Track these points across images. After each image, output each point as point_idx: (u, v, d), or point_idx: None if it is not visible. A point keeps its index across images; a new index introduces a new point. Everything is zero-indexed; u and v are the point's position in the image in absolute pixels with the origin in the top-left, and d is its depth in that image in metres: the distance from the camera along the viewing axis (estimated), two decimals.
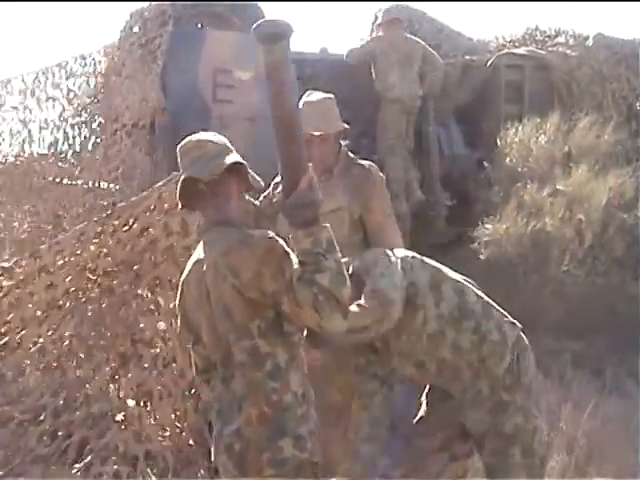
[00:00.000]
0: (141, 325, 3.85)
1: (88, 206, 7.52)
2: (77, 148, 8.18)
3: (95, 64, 8.31)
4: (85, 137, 8.16)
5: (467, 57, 9.58)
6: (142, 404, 3.84)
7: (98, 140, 8.06)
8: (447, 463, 3.70)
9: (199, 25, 8.46)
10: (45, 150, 8.46)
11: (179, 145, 2.97)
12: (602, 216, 7.08)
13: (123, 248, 3.84)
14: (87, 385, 3.74)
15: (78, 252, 3.80)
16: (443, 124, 8.93)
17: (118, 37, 8.09)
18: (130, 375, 3.80)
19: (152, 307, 3.92)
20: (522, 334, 3.66)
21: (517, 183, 7.42)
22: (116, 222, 3.90)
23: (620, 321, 6.67)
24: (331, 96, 4.27)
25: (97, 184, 7.67)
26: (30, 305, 3.70)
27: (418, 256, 3.56)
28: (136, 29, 7.81)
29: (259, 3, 8.78)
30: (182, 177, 2.90)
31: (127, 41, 7.83)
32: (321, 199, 2.77)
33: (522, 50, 9.70)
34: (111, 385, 3.82)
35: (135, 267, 3.86)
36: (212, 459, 2.89)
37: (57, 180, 8.04)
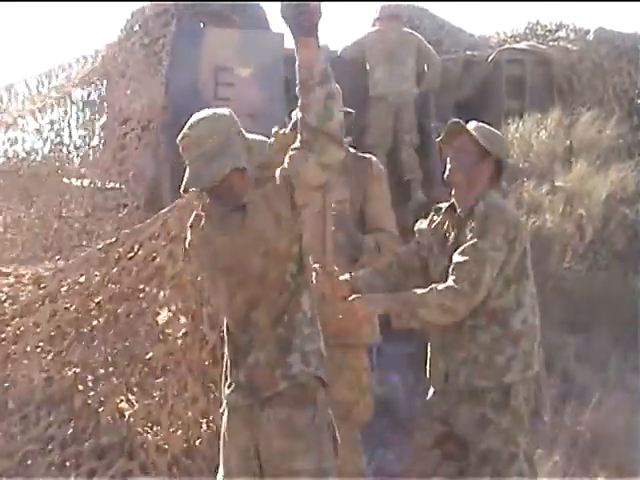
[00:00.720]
0: (150, 354, 3.84)
1: (95, 206, 7.54)
2: (81, 148, 8.19)
3: (96, 64, 8.31)
4: (88, 137, 8.16)
5: (468, 53, 9.58)
6: (151, 432, 3.83)
7: (101, 140, 8.05)
8: (439, 461, 3.61)
9: (200, 23, 8.47)
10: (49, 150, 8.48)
11: (180, 134, 2.98)
12: (603, 211, 7.08)
13: (128, 275, 3.83)
14: (97, 413, 3.74)
15: (82, 280, 3.79)
16: (444, 120, 8.91)
17: (119, 36, 8.08)
18: (138, 405, 3.79)
19: (160, 336, 3.91)
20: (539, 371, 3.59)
21: (518, 179, 7.43)
22: (120, 249, 3.89)
23: (623, 315, 6.67)
24: None
25: (105, 185, 7.67)
26: (34, 334, 3.69)
27: None
28: (137, 28, 7.81)
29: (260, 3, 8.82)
30: (183, 187, 2.96)
31: (128, 41, 7.82)
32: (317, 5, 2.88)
33: (523, 45, 9.69)
34: (119, 415, 3.82)
35: (141, 295, 3.85)
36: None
37: (63, 180, 8.06)
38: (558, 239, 6.81)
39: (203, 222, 3.04)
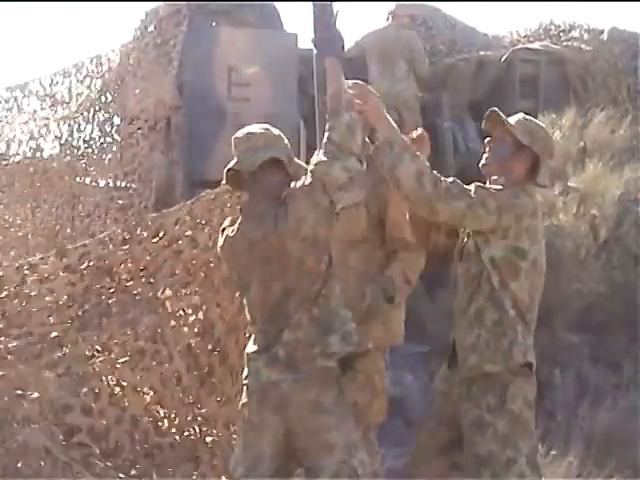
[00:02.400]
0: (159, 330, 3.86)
1: (103, 207, 7.56)
2: (92, 147, 8.23)
3: (110, 64, 8.35)
4: (100, 137, 8.20)
5: (482, 53, 9.58)
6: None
7: (112, 140, 8.09)
8: (446, 473, 3.60)
9: (213, 23, 8.49)
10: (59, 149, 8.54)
11: (235, 135, 3.33)
12: (617, 211, 7.06)
13: (149, 255, 3.87)
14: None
15: (102, 255, 3.82)
16: (458, 120, 8.92)
17: (133, 36, 8.11)
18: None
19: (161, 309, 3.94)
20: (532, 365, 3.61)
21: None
22: (145, 232, 3.93)
23: (637, 316, 6.65)
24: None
25: (113, 184, 7.70)
26: (47, 298, 3.72)
27: None
28: (151, 28, 7.83)
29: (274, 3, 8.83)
30: (226, 168, 3.34)
31: (142, 41, 7.85)
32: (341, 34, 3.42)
33: (537, 45, 9.69)
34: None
35: (152, 274, 3.87)
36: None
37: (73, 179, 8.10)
38: (572, 239, 6.79)
39: (240, 219, 3.27)
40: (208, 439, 3.93)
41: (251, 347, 3.29)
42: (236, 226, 3.28)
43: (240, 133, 3.33)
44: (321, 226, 3.19)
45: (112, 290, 3.81)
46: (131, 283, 3.85)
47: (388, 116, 3.52)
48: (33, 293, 3.69)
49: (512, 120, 3.64)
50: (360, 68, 8.31)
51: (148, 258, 3.87)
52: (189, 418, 3.94)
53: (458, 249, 3.64)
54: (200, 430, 3.96)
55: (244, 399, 3.29)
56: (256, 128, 3.34)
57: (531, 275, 3.54)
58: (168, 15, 7.70)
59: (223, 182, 3.47)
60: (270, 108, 7.56)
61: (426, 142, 3.84)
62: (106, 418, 3.65)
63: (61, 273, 3.74)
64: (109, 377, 3.79)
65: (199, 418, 3.97)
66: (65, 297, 3.73)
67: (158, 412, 3.92)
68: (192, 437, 3.92)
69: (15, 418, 3.44)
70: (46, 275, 3.73)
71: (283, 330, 3.18)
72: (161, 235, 3.91)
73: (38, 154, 8.75)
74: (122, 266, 3.83)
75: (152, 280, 3.88)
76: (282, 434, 3.17)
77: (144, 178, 7.36)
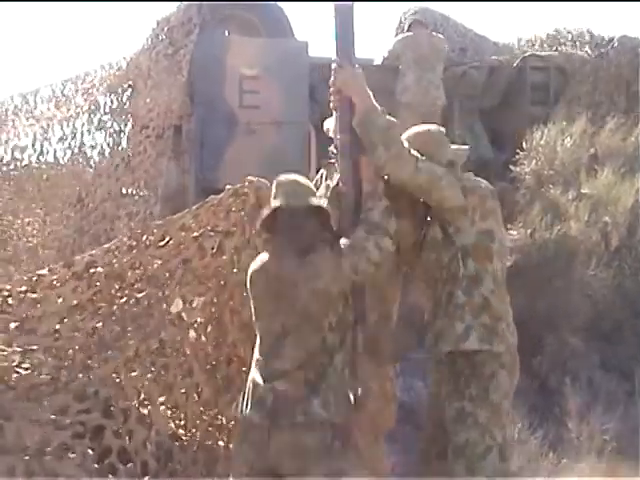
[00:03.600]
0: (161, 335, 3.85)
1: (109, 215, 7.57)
2: (103, 154, 8.25)
3: (122, 71, 8.38)
4: (110, 145, 8.22)
5: (493, 58, 9.58)
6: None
7: (121, 147, 8.11)
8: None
9: (225, 32, 8.53)
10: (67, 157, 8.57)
11: (278, 180, 3.41)
12: (629, 218, 7.04)
13: (155, 262, 3.86)
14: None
15: (109, 262, 3.82)
16: (469, 127, 8.93)
17: (144, 44, 8.14)
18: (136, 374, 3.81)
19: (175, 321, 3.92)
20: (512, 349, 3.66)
21: (543, 186, 7.41)
22: (151, 237, 3.92)
23: None
24: None
25: (120, 192, 7.69)
26: (54, 303, 3.72)
27: None
28: (162, 37, 7.86)
29: (286, 11, 8.88)
30: (275, 205, 3.33)
31: (153, 49, 7.88)
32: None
33: (547, 52, 9.69)
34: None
35: (163, 283, 3.86)
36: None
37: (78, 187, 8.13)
38: (583, 246, 6.78)
39: (269, 253, 3.38)
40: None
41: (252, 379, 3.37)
42: (264, 257, 3.38)
43: (285, 178, 3.41)
44: (336, 286, 3.30)
45: (124, 300, 3.80)
46: (143, 294, 3.83)
47: (370, 93, 3.54)
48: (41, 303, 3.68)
49: None
50: (390, 74, 8.39)
51: (156, 266, 3.85)
52: (209, 429, 3.94)
53: (418, 241, 3.70)
54: (220, 440, 3.96)
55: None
56: (300, 177, 3.43)
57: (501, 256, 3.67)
58: (179, 24, 7.73)
59: (259, 223, 3.43)
60: (281, 116, 7.59)
61: None
62: (134, 438, 3.64)
63: (68, 279, 3.73)
64: (136, 396, 3.78)
65: (219, 430, 3.97)
66: (74, 303, 3.72)
67: (181, 427, 3.92)
68: (213, 448, 3.92)
69: (51, 445, 3.43)
70: (55, 283, 3.73)
71: (282, 371, 3.26)
72: (166, 240, 3.89)
73: (45, 159, 8.79)
74: (130, 274, 3.82)
75: (164, 291, 3.86)
76: (263, 469, 3.24)
77: (151, 185, 7.36)
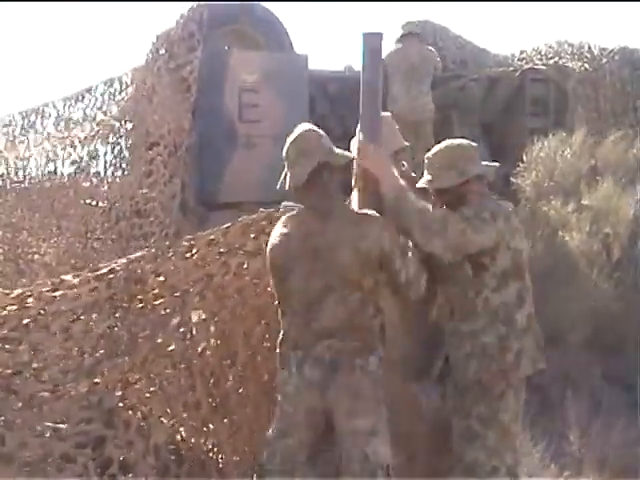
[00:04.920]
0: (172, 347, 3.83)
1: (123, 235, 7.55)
2: (106, 172, 8.25)
3: (123, 87, 8.38)
4: (115, 162, 8.22)
5: (492, 69, 9.61)
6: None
7: (126, 163, 8.10)
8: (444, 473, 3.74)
9: (225, 46, 8.54)
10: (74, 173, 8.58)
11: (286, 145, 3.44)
12: (630, 229, 7.04)
13: (177, 274, 3.84)
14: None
15: (131, 268, 3.80)
16: (469, 139, 8.91)
17: (145, 60, 8.14)
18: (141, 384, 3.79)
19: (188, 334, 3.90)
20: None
21: (543, 198, 7.40)
22: (178, 249, 3.90)
23: None
24: (386, 114, 4.13)
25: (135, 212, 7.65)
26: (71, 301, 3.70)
27: None
28: (162, 51, 7.87)
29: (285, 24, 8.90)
30: (285, 184, 3.44)
31: (155, 64, 7.88)
32: None
33: (547, 64, 9.70)
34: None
35: (180, 294, 3.84)
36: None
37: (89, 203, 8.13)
38: (585, 257, 6.77)
39: (301, 212, 3.45)
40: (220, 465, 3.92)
41: (288, 342, 3.44)
42: (288, 225, 3.43)
43: (288, 141, 3.44)
44: (375, 251, 3.33)
45: (141, 306, 3.78)
46: (160, 302, 3.81)
47: (393, 169, 3.54)
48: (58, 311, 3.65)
49: None
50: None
51: (178, 278, 3.83)
52: (205, 445, 3.93)
53: (446, 275, 3.66)
54: (212, 456, 3.95)
55: (283, 385, 3.47)
56: (292, 136, 3.45)
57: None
58: (180, 38, 7.74)
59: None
60: (281, 129, 7.57)
61: None
62: (135, 450, 3.62)
63: (89, 280, 3.72)
64: (138, 407, 3.76)
65: (212, 445, 3.96)
66: (91, 301, 3.70)
67: (181, 440, 3.91)
68: (206, 463, 3.90)
69: (53, 456, 3.42)
70: (75, 283, 3.71)
71: (321, 326, 3.34)
72: (193, 252, 3.88)
73: (56, 178, 8.80)
74: (151, 280, 3.80)
75: (182, 304, 3.83)
76: (319, 409, 3.37)
77: (166, 206, 7.32)
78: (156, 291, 3.80)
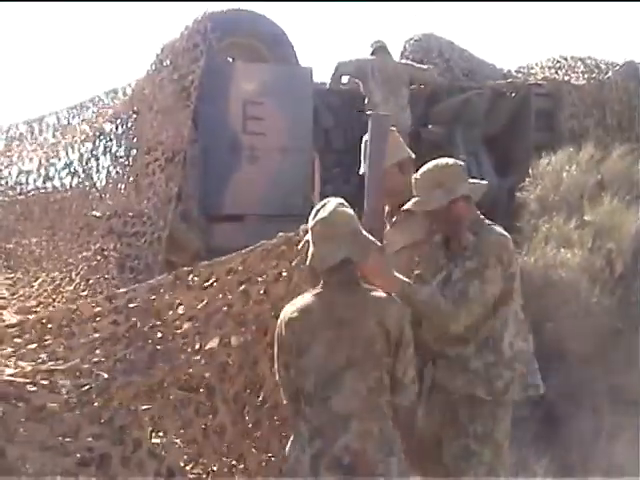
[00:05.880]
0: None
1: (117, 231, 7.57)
2: (106, 180, 8.29)
3: (126, 98, 8.41)
4: (116, 167, 8.25)
5: (497, 83, 9.61)
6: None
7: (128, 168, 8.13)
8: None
9: (229, 58, 8.55)
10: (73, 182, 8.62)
11: (314, 220, 3.31)
12: (633, 245, 7.02)
13: (197, 304, 3.79)
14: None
15: (151, 300, 3.74)
16: (473, 153, 8.92)
17: (148, 71, 8.17)
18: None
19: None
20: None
21: (548, 213, 7.38)
22: (196, 277, 3.84)
23: None
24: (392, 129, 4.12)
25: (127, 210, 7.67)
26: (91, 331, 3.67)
27: None
28: (167, 63, 7.88)
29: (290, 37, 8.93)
30: (309, 262, 3.35)
31: (158, 75, 7.89)
32: None
33: (551, 78, 9.71)
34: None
35: (199, 324, 3.79)
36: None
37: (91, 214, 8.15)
38: (587, 273, 6.75)
39: (321, 287, 3.31)
40: None
41: (299, 441, 3.28)
42: (308, 296, 3.32)
43: (323, 216, 3.29)
44: (398, 329, 3.25)
45: (160, 336, 3.72)
46: (180, 331, 3.75)
47: (398, 276, 3.55)
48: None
49: None
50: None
51: (198, 307, 3.76)
52: (230, 472, 3.87)
53: None
54: None
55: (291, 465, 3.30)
56: (339, 213, 3.29)
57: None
58: (184, 50, 7.75)
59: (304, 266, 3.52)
60: (285, 142, 7.60)
61: None
62: (144, 470, 3.54)
63: (107, 314, 3.66)
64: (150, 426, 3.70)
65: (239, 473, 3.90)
66: (109, 333, 3.65)
67: (200, 465, 3.86)
68: None
69: (55, 471, 3.38)
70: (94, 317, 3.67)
71: (339, 406, 3.19)
72: (212, 281, 3.79)
73: (51, 184, 8.85)
74: (170, 312, 3.74)
75: (201, 331, 3.76)
76: None
77: (161, 210, 7.32)
78: (176, 323, 3.76)
